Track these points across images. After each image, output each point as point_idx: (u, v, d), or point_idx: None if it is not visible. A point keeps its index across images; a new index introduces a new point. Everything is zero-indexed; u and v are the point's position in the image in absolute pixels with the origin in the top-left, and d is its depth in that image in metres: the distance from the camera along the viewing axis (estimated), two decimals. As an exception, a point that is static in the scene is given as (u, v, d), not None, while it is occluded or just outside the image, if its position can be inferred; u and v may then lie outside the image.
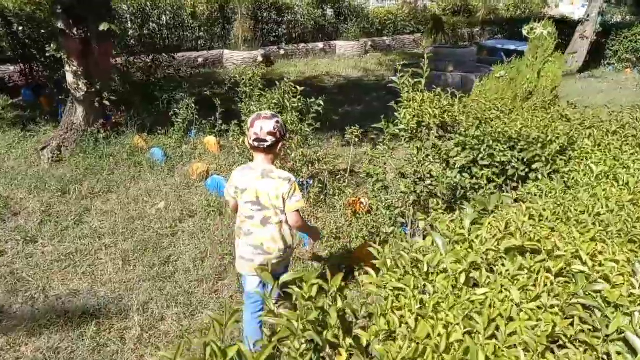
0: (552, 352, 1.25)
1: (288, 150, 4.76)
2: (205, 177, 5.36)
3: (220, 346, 1.07)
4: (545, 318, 1.29)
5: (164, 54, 7.47)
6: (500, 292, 1.39)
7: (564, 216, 1.90)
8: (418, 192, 3.82)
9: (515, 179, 3.11)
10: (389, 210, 4.10)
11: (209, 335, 1.13)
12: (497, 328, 1.25)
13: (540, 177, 2.86)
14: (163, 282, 3.68)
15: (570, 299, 1.33)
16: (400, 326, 1.28)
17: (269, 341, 1.16)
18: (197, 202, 4.93)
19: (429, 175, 3.64)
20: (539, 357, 1.18)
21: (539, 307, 1.33)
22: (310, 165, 4.90)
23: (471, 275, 1.49)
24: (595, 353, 1.24)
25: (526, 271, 1.48)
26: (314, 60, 14.57)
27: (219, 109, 5.94)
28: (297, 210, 2.61)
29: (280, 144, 2.61)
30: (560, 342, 1.28)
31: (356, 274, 3.63)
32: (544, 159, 2.81)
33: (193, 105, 6.26)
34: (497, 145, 3.04)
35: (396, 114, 3.79)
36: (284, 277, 1.38)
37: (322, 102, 4.74)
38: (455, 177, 3.38)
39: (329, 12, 16.13)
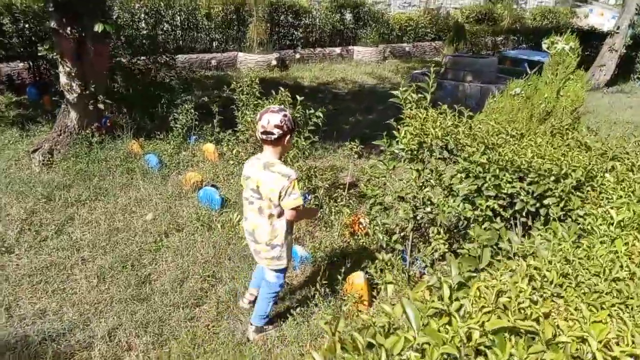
0: None
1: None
2: (199, 187, 5.08)
3: None
4: None
5: (165, 55, 7.22)
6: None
7: (574, 279, 1.54)
8: (418, 218, 3.48)
9: (524, 214, 2.75)
10: (387, 235, 3.77)
11: None
12: None
13: (552, 214, 2.49)
14: (136, 304, 3.40)
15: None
16: None
17: None
18: (186, 214, 4.66)
19: (429, 202, 3.29)
20: None
21: None
22: (307, 180, 4.58)
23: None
24: None
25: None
26: (330, 65, 14.27)
27: (216, 115, 5.66)
28: (295, 208, 2.71)
29: (287, 137, 2.71)
30: None
31: (344, 308, 3.31)
32: (557, 194, 2.45)
33: (192, 110, 5.99)
34: (504, 175, 2.69)
35: (394, 132, 3.47)
36: None
37: (321, 114, 4.42)
38: (457, 206, 3.03)
39: (348, 16, 15.82)
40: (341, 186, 5.12)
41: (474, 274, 1.59)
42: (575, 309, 1.37)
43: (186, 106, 5.99)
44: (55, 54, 5.14)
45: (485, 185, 2.78)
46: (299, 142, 4.46)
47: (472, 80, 10.03)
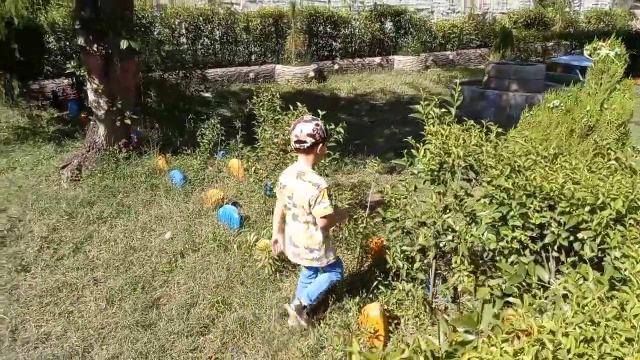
0: None
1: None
2: (220, 204, 4.95)
3: None
4: None
5: (195, 70, 7.22)
6: None
7: (597, 349, 1.23)
8: (441, 245, 3.16)
9: (556, 248, 2.39)
10: (408, 262, 3.46)
11: None
12: None
13: (585, 252, 2.13)
14: (140, 331, 3.26)
15: None
16: None
17: None
18: (204, 234, 4.53)
19: (450, 229, 2.97)
20: None
21: None
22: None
23: None
24: None
25: None
26: (370, 76, 14.01)
27: (239, 131, 5.53)
28: (325, 216, 2.79)
29: (319, 146, 2.82)
30: None
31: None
32: (593, 227, 2.09)
33: (218, 125, 5.90)
34: (531, 203, 2.34)
35: (413, 151, 3.18)
36: None
37: (342, 130, 4.17)
38: (481, 236, 2.70)
39: (388, 25, 15.52)
40: (368, 204, 4.84)
41: (471, 337, 1.30)
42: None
43: (212, 121, 5.91)
44: (83, 71, 5.19)
45: (511, 213, 2.45)
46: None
47: (517, 89, 9.48)
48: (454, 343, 1.24)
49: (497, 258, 2.64)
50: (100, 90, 5.28)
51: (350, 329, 3.23)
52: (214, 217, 4.81)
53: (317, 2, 14.60)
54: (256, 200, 4.96)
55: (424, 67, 15.54)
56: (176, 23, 11.55)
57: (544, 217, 2.34)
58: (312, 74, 12.71)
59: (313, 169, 2.91)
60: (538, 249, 2.48)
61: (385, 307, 3.32)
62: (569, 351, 1.25)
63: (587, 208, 2.13)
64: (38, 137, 6.94)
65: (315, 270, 3.20)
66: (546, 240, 2.34)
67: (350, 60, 14.47)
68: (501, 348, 1.24)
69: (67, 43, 7.96)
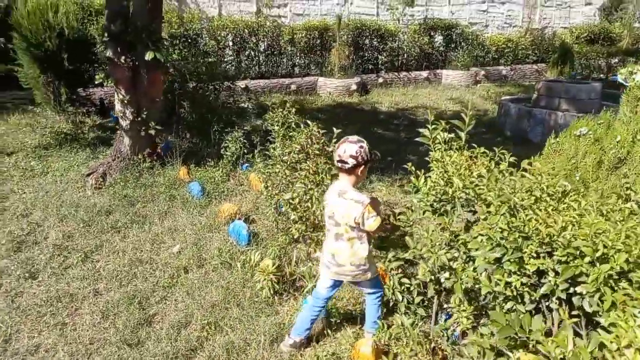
0: None
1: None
2: (233, 219, 4.87)
3: None
4: None
5: (226, 82, 7.24)
6: None
7: None
8: (441, 281, 2.90)
9: (554, 298, 2.08)
10: (410, 295, 3.22)
11: None
12: None
13: (586, 306, 1.83)
14: (126, 350, 3.19)
15: None
16: None
17: None
18: (212, 249, 4.45)
19: (447, 267, 2.71)
20: None
21: None
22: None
23: None
24: None
25: None
26: (415, 90, 13.65)
27: (257, 145, 5.45)
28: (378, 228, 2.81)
29: (361, 168, 2.82)
30: None
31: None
32: (589, 282, 1.79)
33: (242, 138, 5.85)
34: (527, 247, 2.06)
35: (412, 178, 2.94)
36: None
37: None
38: (477, 277, 2.43)
39: (438, 39, 15.12)
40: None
41: None
42: None
43: (236, 133, 5.87)
44: (110, 82, 5.31)
45: (507, 256, 2.17)
46: (324, 181, 4.03)
47: (567, 108, 8.87)
48: None
49: (492, 304, 2.35)
50: (126, 101, 5.38)
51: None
52: (225, 232, 4.73)
53: (364, 15, 14.46)
54: (267, 218, 4.84)
55: (474, 82, 14.98)
56: (222, 35, 11.75)
57: (543, 263, 2.04)
58: (354, 86, 12.54)
59: (354, 188, 2.89)
60: (537, 298, 2.18)
61: (380, 343, 3.08)
62: None
63: (587, 259, 1.82)
64: (76, 144, 7.17)
65: (338, 284, 3.14)
66: (542, 290, 2.04)
67: (396, 73, 14.19)
68: None
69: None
